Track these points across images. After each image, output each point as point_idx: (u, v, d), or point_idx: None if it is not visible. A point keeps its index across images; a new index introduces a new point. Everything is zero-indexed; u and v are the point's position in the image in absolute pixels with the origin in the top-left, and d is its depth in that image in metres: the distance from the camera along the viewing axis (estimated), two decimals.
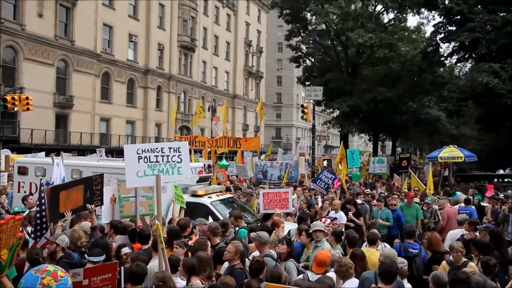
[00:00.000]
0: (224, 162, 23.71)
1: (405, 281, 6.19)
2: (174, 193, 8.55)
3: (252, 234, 6.98)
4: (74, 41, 38.87)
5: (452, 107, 29.79)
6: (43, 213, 6.26)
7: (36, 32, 35.04)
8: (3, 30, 32.60)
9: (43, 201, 6.49)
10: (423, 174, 22.93)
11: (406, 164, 20.06)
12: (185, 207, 8.96)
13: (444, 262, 6.72)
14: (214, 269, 6.14)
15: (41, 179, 10.97)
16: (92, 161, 13.91)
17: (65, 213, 7.28)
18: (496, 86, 24.02)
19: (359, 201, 12.01)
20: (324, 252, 6.54)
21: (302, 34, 41.42)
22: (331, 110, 45.25)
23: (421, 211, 12.19)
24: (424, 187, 16.35)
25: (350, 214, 11.37)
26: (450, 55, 32.19)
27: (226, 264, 6.20)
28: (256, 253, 6.78)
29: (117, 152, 32.14)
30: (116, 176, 9.27)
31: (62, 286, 3.04)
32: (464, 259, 6.58)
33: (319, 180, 15.08)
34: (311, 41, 32.88)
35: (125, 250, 6.51)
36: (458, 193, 15.08)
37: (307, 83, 41.81)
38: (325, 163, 32.25)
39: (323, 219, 8.92)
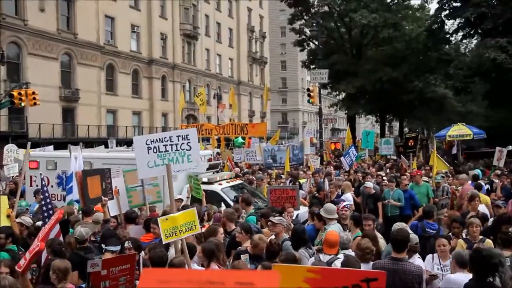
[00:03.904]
0: (239, 138, 23.67)
1: (416, 256, 6.16)
2: (191, 185, 8.62)
3: (274, 219, 6.98)
4: (77, 34, 38.81)
5: (459, 84, 29.51)
6: (48, 200, 7.27)
7: (38, 26, 34.98)
8: (6, 26, 32.61)
9: (45, 188, 7.56)
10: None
11: (413, 143, 19.91)
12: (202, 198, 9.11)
13: (460, 240, 6.60)
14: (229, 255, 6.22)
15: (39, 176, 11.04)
16: (101, 152, 14.04)
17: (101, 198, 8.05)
18: (504, 61, 23.77)
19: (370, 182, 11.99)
20: (331, 232, 6.60)
21: (305, 17, 41.08)
22: (337, 92, 45.04)
23: (432, 189, 12.17)
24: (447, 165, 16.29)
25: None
26: (456, 31, 31.73)
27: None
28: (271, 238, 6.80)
29: (125, 143, 32.26)
30: (124, 167, 9.31)
31: None
32: (480, 236, 6.48)
33: (347, 155, 15.22)
34: (314, 24, 32.69)
35: None
36: (478, 170, 14.95)
37: (312, 66, 41.55)
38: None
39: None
